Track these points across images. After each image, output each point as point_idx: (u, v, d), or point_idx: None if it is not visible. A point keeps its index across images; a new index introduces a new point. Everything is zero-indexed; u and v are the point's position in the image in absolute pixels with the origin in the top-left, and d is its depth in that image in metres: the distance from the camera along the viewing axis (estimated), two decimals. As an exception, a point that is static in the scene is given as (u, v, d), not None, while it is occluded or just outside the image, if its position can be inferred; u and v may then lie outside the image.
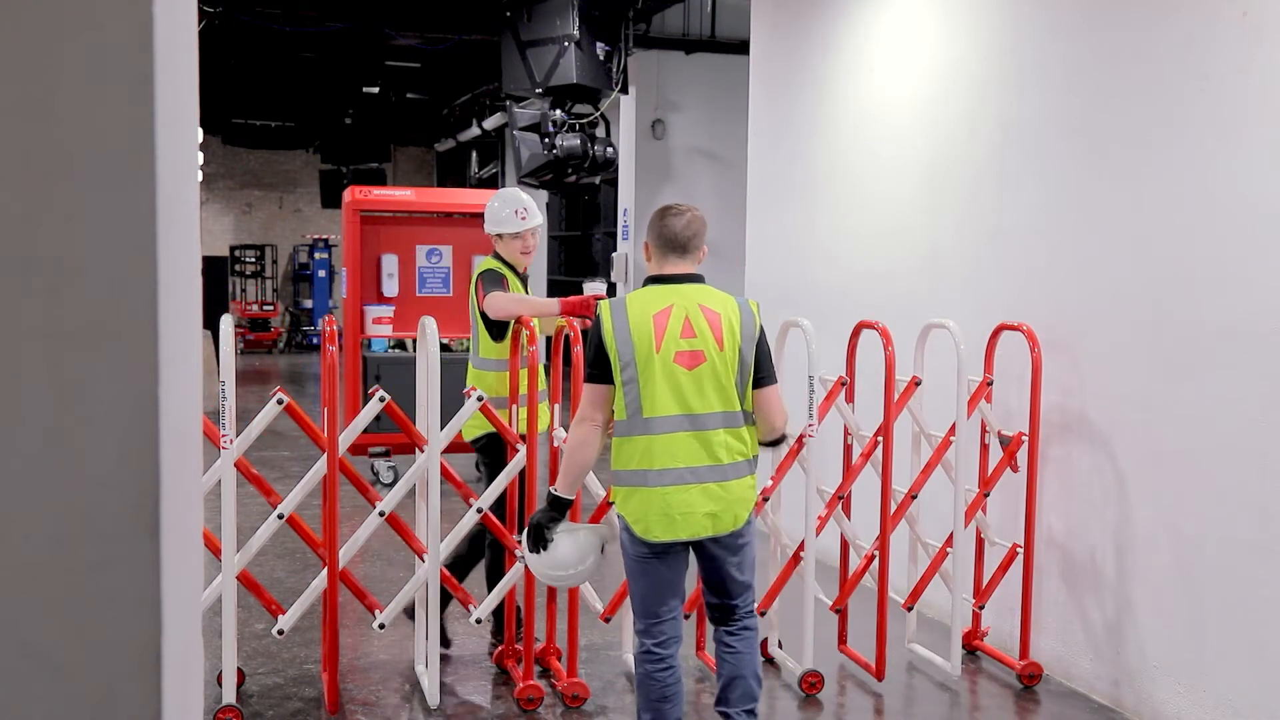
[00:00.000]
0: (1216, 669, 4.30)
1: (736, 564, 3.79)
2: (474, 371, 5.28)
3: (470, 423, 4.85)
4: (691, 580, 4.01)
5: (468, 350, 9.73)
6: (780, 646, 5.22)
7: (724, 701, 3.87)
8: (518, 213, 5.29)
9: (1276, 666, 4.06)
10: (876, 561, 5.02)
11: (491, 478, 4.96)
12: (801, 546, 4.88)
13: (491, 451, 5.09)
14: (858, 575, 5.09)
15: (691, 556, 3.84)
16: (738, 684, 3.85)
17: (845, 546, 5.29)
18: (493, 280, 5.13)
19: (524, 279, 5.34)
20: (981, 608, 5.34)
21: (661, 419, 3.64)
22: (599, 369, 3.71)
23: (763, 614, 4.58)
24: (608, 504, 4.86)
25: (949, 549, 5.13)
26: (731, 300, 3.76)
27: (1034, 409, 5.03)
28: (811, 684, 4.88)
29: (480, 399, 4.72)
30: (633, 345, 3.65)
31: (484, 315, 5.11)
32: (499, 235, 5.31)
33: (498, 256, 5.31)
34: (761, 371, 3.75)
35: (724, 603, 3.85)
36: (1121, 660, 4.76)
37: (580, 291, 5.69)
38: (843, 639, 5.26)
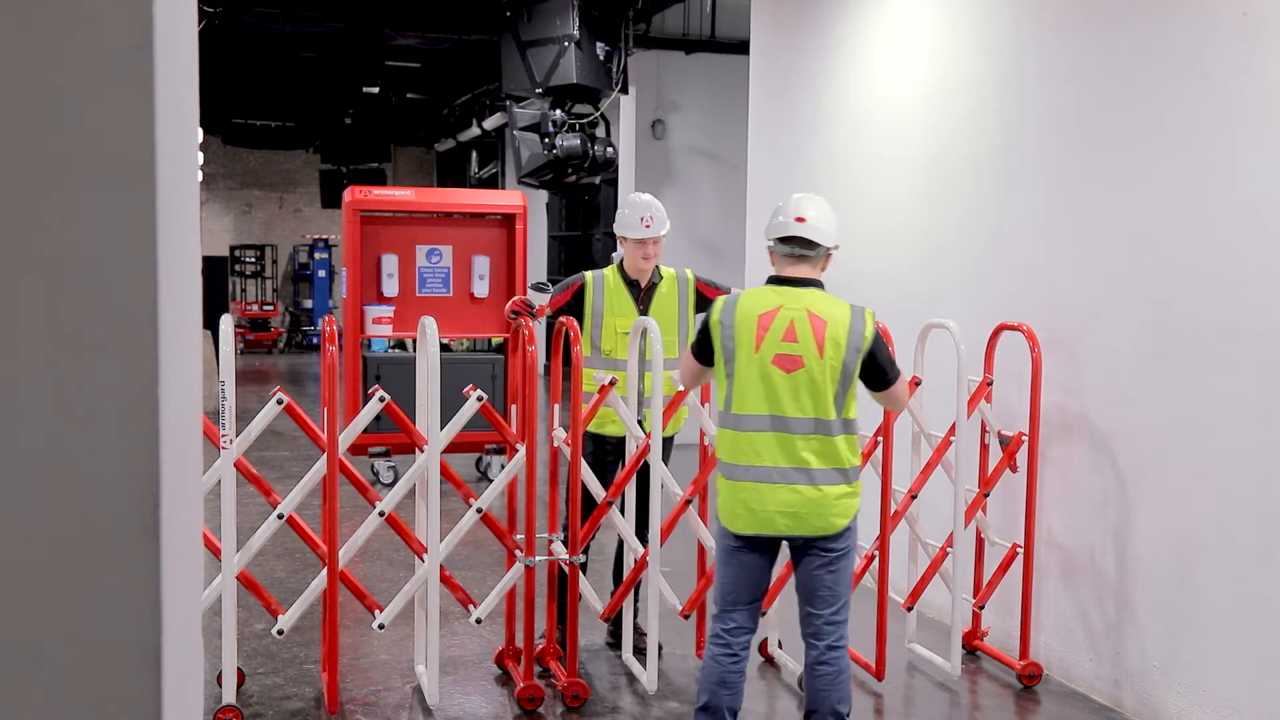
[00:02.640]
0: (1216, 669, 4.30)
1: (828, 573, 3.79)
2: (585, 371, 5.20)
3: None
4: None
5: (468, 350, 9.72)
6: (780, 646, 5.22)
7: None
8: (643, 220, 5.21)
9: (1276, 667, 4.06)
10: (876, 561, 5.02)
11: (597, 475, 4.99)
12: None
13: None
14: (858, 575, 5.08)
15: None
16: (814, 718, 3.86)
17: None
18: (564, 285, 5.26)
19: (645, 290, 5.25)
20: (981, 608, 5.34)
21: (750, 417, 3.73)
22: (701, 350, 3.89)
23: (764, 613, 4.58)
24: (686, 502, 4.87)
25: (949, 549, 5.13)
26: (845, 309, 3.75)
27: (1034, 409, 5.03)
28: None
29: (481, 398, 4.72)
30: (735, 341, 3.75)
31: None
32: (623, 239, 5.27)
33: (620, 265, 5.32)
34: (877, 378, 3.81)
35: (809, 611, 3.83)
36: (1121, 660, 4.76)
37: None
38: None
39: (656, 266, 5.30)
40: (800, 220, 3.80)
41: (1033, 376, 5.01)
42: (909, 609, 5.25)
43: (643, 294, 5.25)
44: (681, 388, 4.44)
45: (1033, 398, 5.03)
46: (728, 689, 3.83)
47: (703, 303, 5.27)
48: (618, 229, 5.30)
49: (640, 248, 5.20)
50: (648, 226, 5.19)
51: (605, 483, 4.99)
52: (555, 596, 4.87)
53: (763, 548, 3.83)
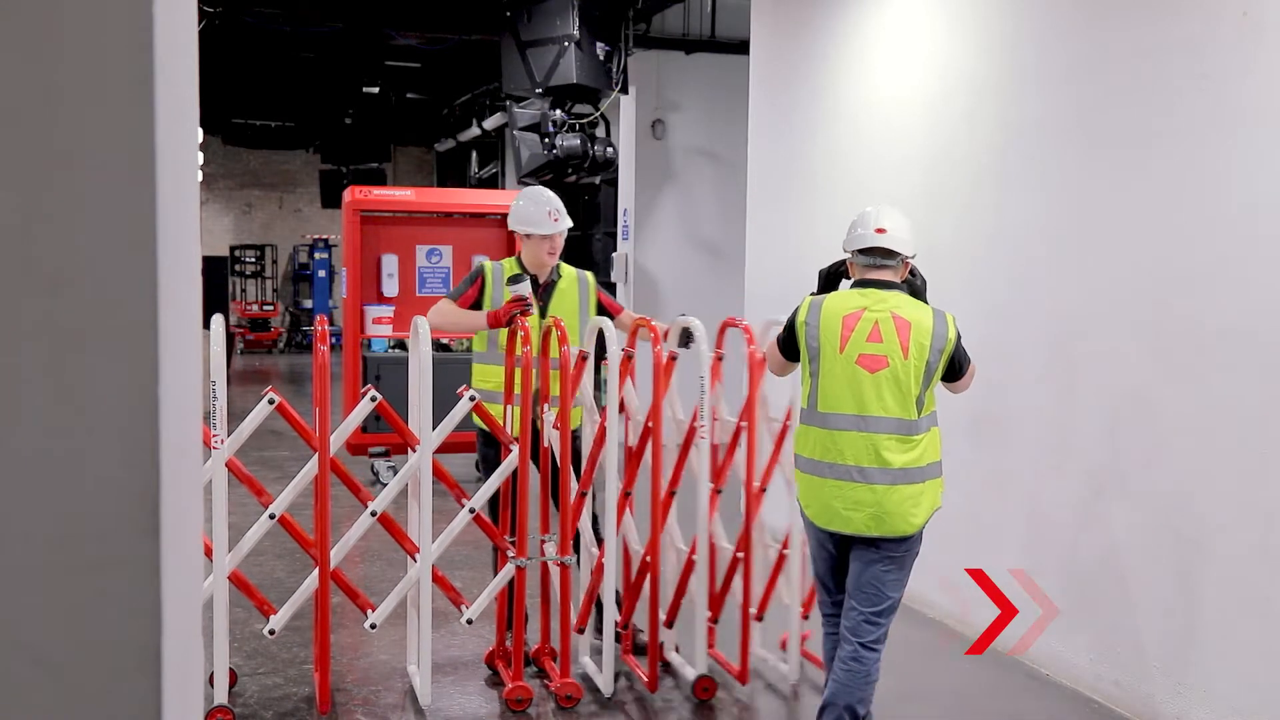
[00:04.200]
0: (1216, 669, 4.30)
1: (884, 571, 3.85)
2: (478, 367, 5.27)
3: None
4: None
5: (468, 350, 9.72)
6: (678, 650, 5.17)
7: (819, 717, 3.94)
8: (550, 214, 5.18)
9: (1277, 667, 4.06)
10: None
11: (488, 470, 4.95)
12: (693, 549, 4.85)
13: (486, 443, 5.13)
14: (727, 581, 5.02)
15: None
16: (828, 711, 3.90)
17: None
18: (466, 281, 5.13)
19: (544, 285, 5.25)
20: (761, 618, 5.10)
21: (835, 415, 3.84)
22: (786, 347, 4.07)
23: (670, 625, 4.71)
24: (581, 495, 4.86)
25: (785, 551, 5.02)
26: (928, 312, 3.87)
27: (750, 403, 4.89)
28: (704, 689, 4.78)
29: (473, 398, 4.73)
30: (819, 341, 3.89)
31: None
32: (527, 235, 5.20)
33: (518, 259, 5.25)
34: (953, 372, 3.94)
35: (853, 605, 3.88)
36: (1121, 660, 4.76)
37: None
38: (712, 643, 5.11)
39: (557, 264, 5.28)
40: (880, 231, 3.92)
41: (750, 373, 4.85)
42: (759, 619, 5.09)
43: (542, 290, 5.21)
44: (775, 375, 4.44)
45: (750, 392, 4.88)
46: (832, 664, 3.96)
47: (600, 311, 5.24)
48: (521, 224, 5.21)
49: (546, 242, 5.17)
50: (555, 221, 5.18)
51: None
52: (549, 598, 4.88)
53: (846, 542, 3.92)
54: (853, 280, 4.02)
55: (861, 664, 3.84)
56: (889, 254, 3.93)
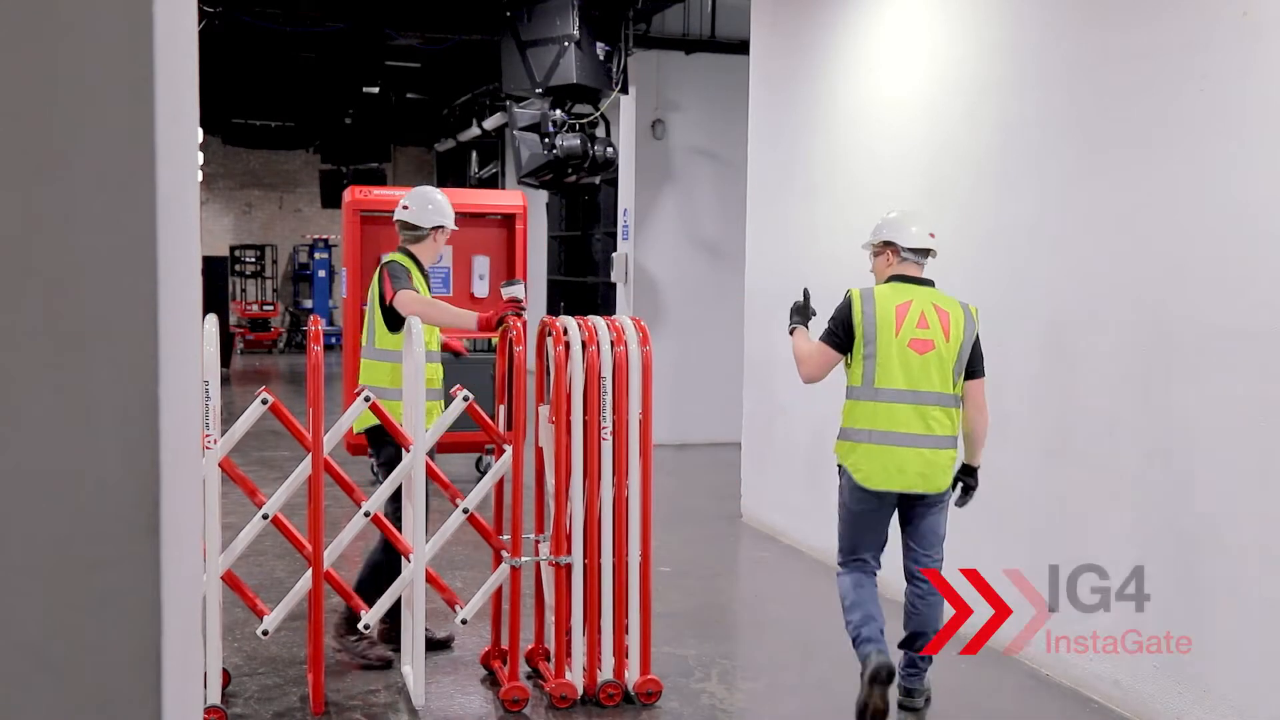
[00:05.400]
0: (1216, 669, 4.30)
1: (938, 519, 4.58)
2: (366, 363, 5.22)
3: (363, 415, 4.80)
4: None
5: (468, 350, 9.70)
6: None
7: (908, 645, 4.65)
8: (451, 210, 5.34)
9: (1277, 666, 4.06)
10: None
11: (387, 471, 4.89)
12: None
13: (379, 443, 5.04)
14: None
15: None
16: (921, 638, 4.62)
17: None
18: (403, 275, 5.09)
19: (427, 277, 5.33)
20: (464, 621, 4.94)
21: (891, 390, 4.46)
22: (840, 339, 4.55)
23: (465, 622, 4.81)
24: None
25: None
26: (957, 303, 4.56)
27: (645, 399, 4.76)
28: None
29: (466, 399, 4.72)
30: (876, 328, 4.47)
31: (385, 307, 5.08)
32: (430, 229, 5.25)
33: (407, 253, 5.24)
34: (974, 365, 4.56)
35: (919, 552, 4.57)
36: (1122, 660, 4.76)
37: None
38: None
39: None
40: (932, 236, 4.63)
41: (643, 373, 4.74)
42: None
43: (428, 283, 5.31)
44: (805, 380, 4.78)
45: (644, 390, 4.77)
46: (877, 622, 4.48)
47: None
48: (433, 219, 5.26)
49: (446, 236, 5.30)
50: (450, 217, 5.30)
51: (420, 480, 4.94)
52: (542, 598, 4.87)
53: (888, 503, 4.55)
54: (891, 273, 4.62)
55: (935, 594, 4.57)
56: (928, 254, 4.63)
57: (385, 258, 5.28)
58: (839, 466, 4.59)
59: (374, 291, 5.20)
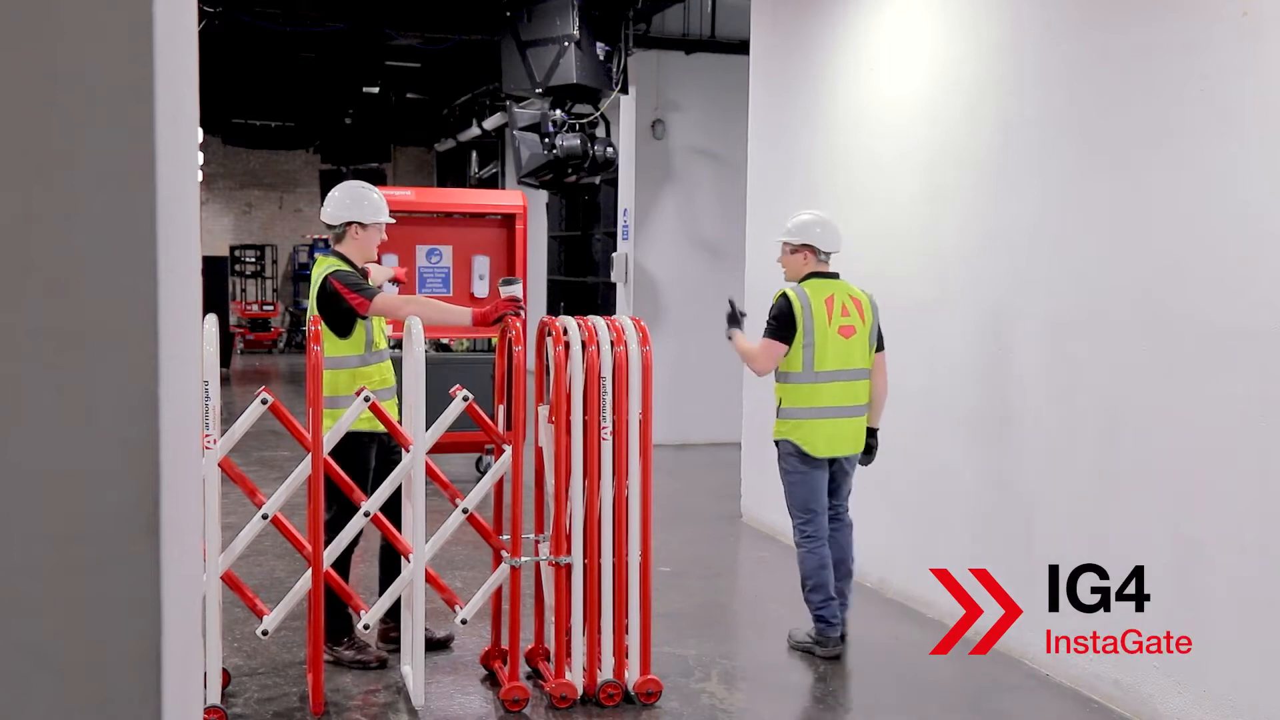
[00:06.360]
0: (1216, 669, 4.30)
1: (849, 478, 5.45)
2: (359, 371, 5.00)
3: (363, 416, 4.76)
4: None
5: (467, 350, 9.66)
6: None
7: (838, 572, 5.36)
8: (364, 206, 5.08)
9: (1277, 666, 4.06)
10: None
11: (332, 529, 4.74)
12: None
13: (332, 495, 4.77)
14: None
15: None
16: (843, 565, 5.43)
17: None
18: (358, 280, 4.92)
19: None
20: (464, 621, 4.92)
21: (826, 372, 5.24)
22: (784, 334, 5.23)
23: (464, 622, 4.83)
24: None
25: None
26: (861, 292, 5.37)
27: (646, 399, 4.74)
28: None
29: (466, 399, 4.72)
30: (814, 321, 5.21)
31: (337, 314, 4.88)
32: (364, 225, 5.03)
33: (340, 256, 5.04)
34: (880, 342, 5.39)
35: (840, 506, 5.44)
36: (1121, 660, 4.76)
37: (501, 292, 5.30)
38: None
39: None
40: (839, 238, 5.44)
41: (643, 373, 4.74)
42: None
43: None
44: (760, 374, 5.48)
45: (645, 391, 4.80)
46: (827, 569, 5.28)
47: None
48: (365, 215, 5.04)
49: (375, 232, 5.08)
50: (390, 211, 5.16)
51: (370, 479, 4.92)
52: (542, 598, 4.87)
53: (825, 466, 5.31)
54: (808, 270, 5.36)
55: (850, 529, 5.49)
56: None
57: (320, 269, 4.99)
58: (778, 442, 5.32)
59: (312, 302, 4.95)
